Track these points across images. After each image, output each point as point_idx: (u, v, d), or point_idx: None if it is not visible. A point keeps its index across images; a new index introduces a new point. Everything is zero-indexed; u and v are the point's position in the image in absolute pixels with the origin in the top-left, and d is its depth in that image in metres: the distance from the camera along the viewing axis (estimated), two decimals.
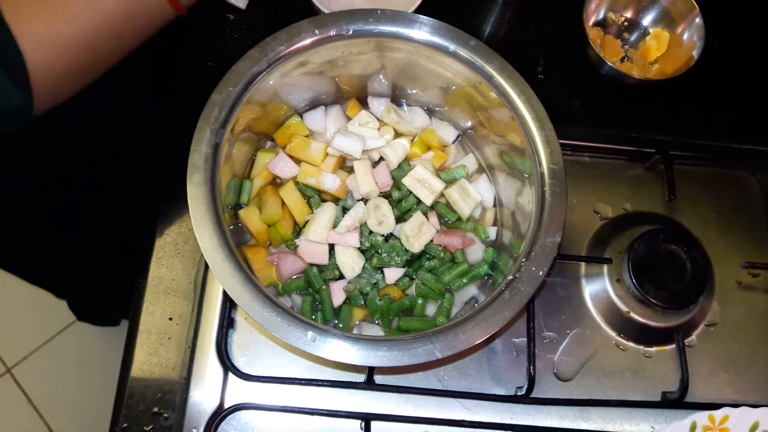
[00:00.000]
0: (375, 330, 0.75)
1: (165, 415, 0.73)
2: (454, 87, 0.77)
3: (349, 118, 0.82)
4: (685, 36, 0.94)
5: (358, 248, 0.75)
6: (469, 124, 0.82)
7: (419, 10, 0.84)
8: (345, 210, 0.76)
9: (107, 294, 1.35)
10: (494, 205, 0.82)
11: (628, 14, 0.99)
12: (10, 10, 0.60)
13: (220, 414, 0.72)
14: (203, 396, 0.74)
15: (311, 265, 0.75)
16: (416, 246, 0.74)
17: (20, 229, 0.98)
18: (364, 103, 0.84)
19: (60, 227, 1.02)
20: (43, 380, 1.73)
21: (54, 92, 0.66)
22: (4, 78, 0.59)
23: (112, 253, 1.13)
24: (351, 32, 0.70)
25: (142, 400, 0.73)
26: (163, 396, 0.73)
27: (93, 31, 0.64)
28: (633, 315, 0.82)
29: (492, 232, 0.80)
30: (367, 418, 0.73)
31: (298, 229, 0.77)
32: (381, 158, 0.80)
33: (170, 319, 0.77)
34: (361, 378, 0.75)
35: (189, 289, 0.78)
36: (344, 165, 0.81)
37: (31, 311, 1.80)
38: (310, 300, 0.74)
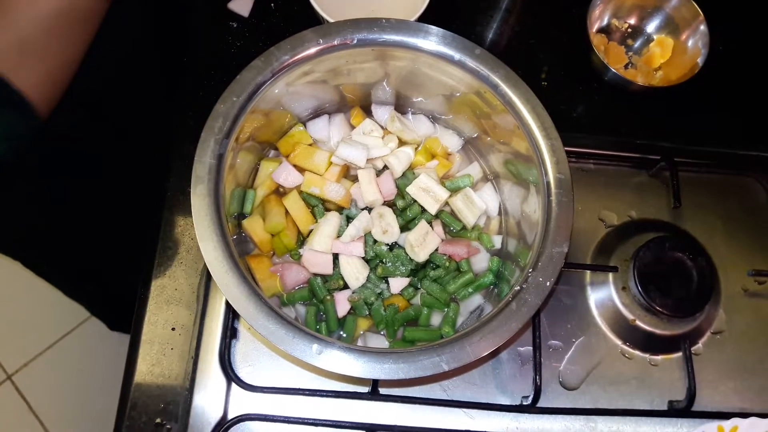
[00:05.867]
0: (380, 340, 0.74)
1: (168, 426, 0.72)
2: (458, 94, 0.77)
3: (352, 127, 0.82)
4: (690, 43, 0.94)
5: (363, 258, 0.74)
6: (474, 132, 0.82)
7: (422, 18, 0.84)
8: (349, 219, 0.76)
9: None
10: (499, 214, 0.82)
11: (632, 21, 0.98)
12: None
13: (224, 425, 0.72)
14: (206, 407, 0.73)
15: (315, 275, 0.74)
16: (421, 255, 0.74)
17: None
18: (368, 112, 0.84)
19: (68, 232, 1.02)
20: (44, 387, 1.72)
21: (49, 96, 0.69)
22: (14, 117, 0.64)
23: (118, 261, 1.14)
24: (355, 41, 0.69)
25: (145, 411, 0.73)
26: (165, 407, 0.73)
27: (44, 30, 0.66)
28: (639, 323, 0.81)
29: (497, 241, 0.80)
30: (371, 429, 0.73)
31: (302, 239, 0.77)
32: (385, 167, 0.80)
33: (173, 329, 0.76)
34: (365, 389, 0.75)
35: (191, 298, 0.77)
36: (348, 174, 0.80)
37: (31, 318, 1.79)
38: (315, 310, 0.74)
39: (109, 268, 1.19)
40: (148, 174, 0.87)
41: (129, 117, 0.92)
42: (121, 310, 1.39)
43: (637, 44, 0.98)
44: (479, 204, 0.79)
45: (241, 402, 0.74)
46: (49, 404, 1.71)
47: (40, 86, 0.66)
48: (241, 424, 0.73)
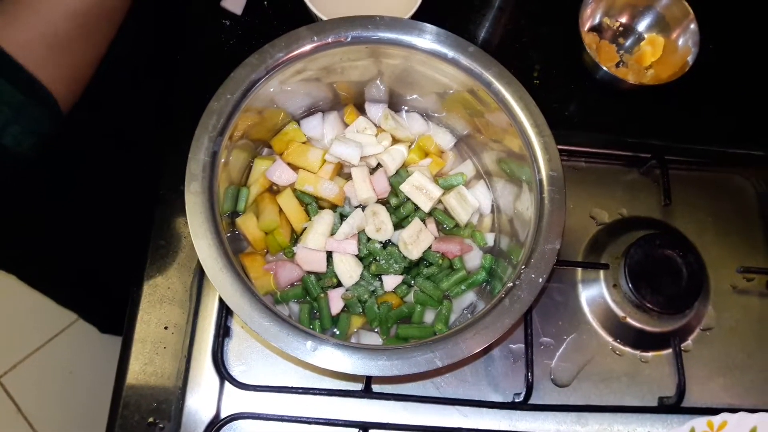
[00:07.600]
0: (373, 338, 0.75)
1: (161, 425, 0.72)
2: (451, 92, 0.77)
3: (346, 125, 0.82)
4: (680, 41, 0.94)
5: (356, 255, 0.74)
6: (467, 130, 0.82)
7: (416, 16, 0.84)
8: (343, 217, 0.76)
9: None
10: (492, 212, 0.82)
11: (624, 19, 0.99)
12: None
13: (217, 424, 0.71)
14: (199, 405, 0.73)
15: (309, 272, 0.74)
16: (414, 253, 0.74)
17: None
18: (361, 110, 0.83)
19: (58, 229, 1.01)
20: (34, 389, 1.70)
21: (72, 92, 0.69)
22: (41, 113, 0.64)
23: (109, 261, 1.13)
24: (349, 39, 0.69)
25: (137, 410, 0.72)
26: (158, 406, 0.73)
27: (72, 26, 0.66)
28: (629, 320, 0.82)
29: (490, 239, 0.80)
30: (364, 427, 0.73)
31: (296, 237, 0.77)
32: (379, 165, 0.80)
33: (165, 328, 0.76)
34: (358, 386, 0.75)
35: (184, 297, 0.77)
36: (342, 172, 0.80)
37: (20, 319, 1.77)
38: (308, 308, 0.74)
39: (103, 271, 1.18)
40: (141, 172, 0.87)
41: (123, 115, 0.91)
42: (113, 313, 1.38)
43: (628, 43, 0.99)
44: (472, 202, 0.79)
45: (234, 401, 0.74)
46: (39, 406, 1.69)
47: (65, 82, 0.66)
48: (234, 422, 0.72)
